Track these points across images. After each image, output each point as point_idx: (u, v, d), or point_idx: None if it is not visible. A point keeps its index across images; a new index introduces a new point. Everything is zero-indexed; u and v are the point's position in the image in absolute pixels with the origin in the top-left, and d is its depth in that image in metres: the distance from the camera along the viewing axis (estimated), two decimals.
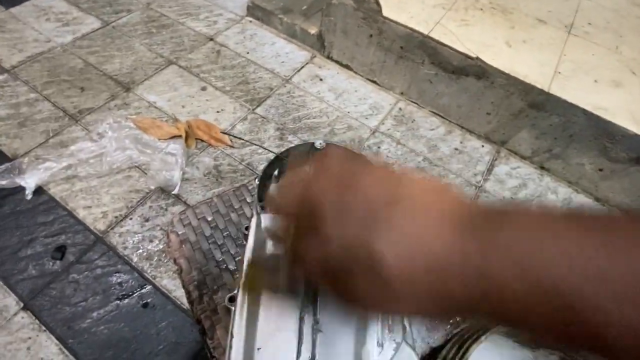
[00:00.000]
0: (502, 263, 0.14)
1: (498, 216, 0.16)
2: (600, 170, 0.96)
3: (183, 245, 0.43)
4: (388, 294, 0.17)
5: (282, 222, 0.21)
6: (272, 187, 0.50)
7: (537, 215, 0.15)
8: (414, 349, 0.31)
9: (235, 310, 0.30)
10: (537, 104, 0.94)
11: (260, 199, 0.42)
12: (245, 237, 0.35)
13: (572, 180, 1.02)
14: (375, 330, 0.29)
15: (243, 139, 0.99)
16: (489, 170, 1.04)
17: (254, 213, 0.37)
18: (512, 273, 0.14)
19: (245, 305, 0.30)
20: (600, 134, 0.90)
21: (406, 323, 0.32)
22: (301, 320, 0.28)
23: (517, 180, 1.02)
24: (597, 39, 1.08)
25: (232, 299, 0.32)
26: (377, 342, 0.28)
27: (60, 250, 0.76)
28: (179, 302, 0.73)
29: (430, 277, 0.15)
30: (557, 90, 0.91)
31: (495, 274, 0.14)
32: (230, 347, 0.28)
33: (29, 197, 0.82)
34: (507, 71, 0.94)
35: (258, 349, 0.27)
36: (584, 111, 0.89)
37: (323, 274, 0.18)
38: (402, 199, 0.17)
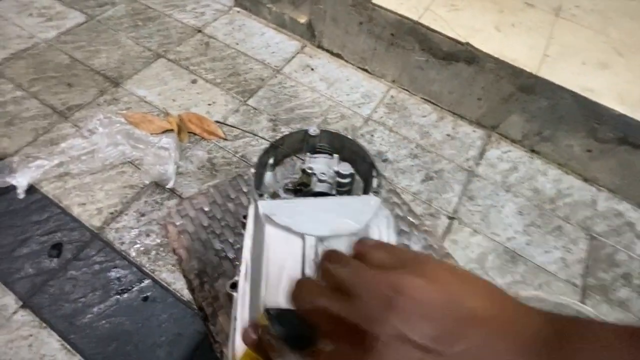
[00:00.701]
0: None
1: (572, 335, 0.15)
2: (589, 151, 0.98)
3: (181, 236, 0.44)
4: None
5: (315, 326, 0.18)
6: (268, 176, 0.50)
7: (602, 336, 0.15)
8: None
9: (237, 295, 0.31)
10: (527, 88, 0.95)
11: (256, 187, 0.43)
12: (244, 225, 0.35)
13: (562, 162, 1.04)
14: None
15: (237, 127, 0.99)
16: (481, 154, 1.05)
17: (252, 201, 0.38)
18: None
19: (248, 290, 0.30)
20: (588, 115, 0.92)
21: None
22: None
23: (508, 164, 1.04)
24: (585, 21, 1.09)
25: (234, 286, 0.32)
26: None
27: (57, 248, 0.76)
28: (179, 294, 0.73)
29: None
30: (545, 73, 0.92)
31: None
32: (234, 329, 0.29)
33: (22, 196, 0.81)
34: (496, 55, 0.94)
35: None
36: (572, 93, 0.90)
37: None
38: (467, 322, 0.15)
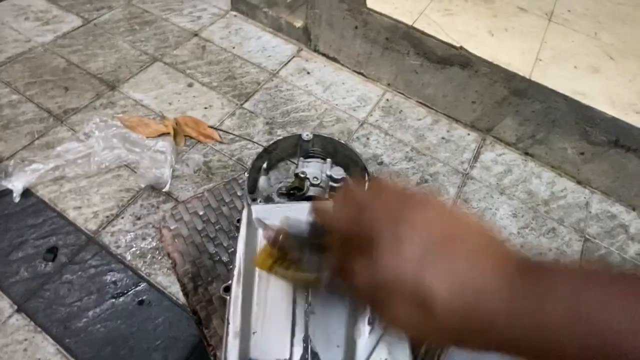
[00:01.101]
0: (556, 308, 0.15)
1: (543, 265, 0.17)
2: (582, 153, 0.99)
3: (176, 240, 0.44)
4: (433, 325, 0.18)
5: (331, 233, 0.22)
6: (262, 180, 0.51)
7: (586, 271, 0.17)
8: None
9: (230, 299, 0.31)
10: (520, 92, 0.96)
11: (250, 191, 0.43)
12: (237, 228, 0.36)
13: (555, 164, 1.05)
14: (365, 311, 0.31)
15: (231, 133, 1.00)
16: (475, 157, 1.06)
17: (245, 205, 0.38)
18: (567, 320, 0.15)
19: (240, 294, 0.31)
20: (580, 118, 0.93)
21: None
22: (294, 303, 0.30)
23: (502, 167, 1.05)
24: (577, 25, 1.11)
25: (227, 289, 0.33)
26: (368, 320, 0.30)
27: (52, 252, 0.76)
28: (174, 298, 0.73)
29: (478, 313, 0.17)
30: (538, 77, 0.93)
31: (547, 317, 0.15)
32: (227, 333, 0.29)
33: (17, 199, 0.81)
34: (490, 60, 0.95)
35: (253, 332, 0.29)
36: (565, 97, 0.91)
37: (371, 296, 0.19)
38: (455, 239, 0.18)
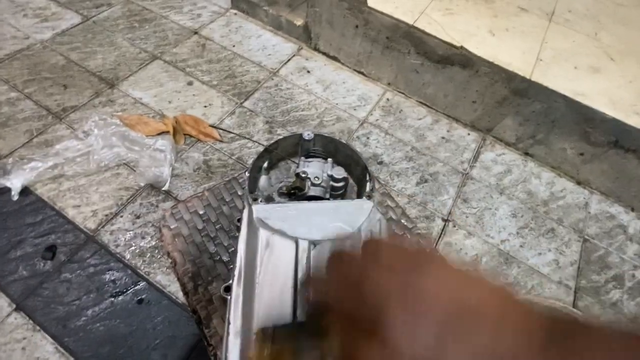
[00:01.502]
0: None
1: (576, 324, 0.16)
2: (581, 154, 0.99)
3: (176, 239, 0.44)
4: None
5: (327, 312, 0.19)
6: (262, 180, 0.50)
7: (625, 334, 0.15)
8: None
9: (231, 298, 0.31)
10: (520, 92, 0.96)
11: (251, 191, 0.43)
12: (238, 228, 0.36)
13: (555, 165, 1.05)
14: None
15: (231, 132, 0.99)
16: (475, 157, 1.06)
17: (245, 205, 0.38)
18: None
19: (241, 294, 0.31)
20: (580, 119, 0.93)
21: None
22: (294, 305, 0.30)
23: (502, 167, 1.05)
24: (577, 26, 1.11)
25: (228, 289, 0.33)
26: None
27: (51, 250, 0.76)
28: (174, 297, 0.73)
29: None
30: (539, 77, 0.93)
31: None
32: (228, 332, 0.29)
33: (15, 198, 0.81)
34: (491, 59, 0.95)
35: (254, 333, 0.29)
36: (565, 97, 0.91)
37: None
38: (473, 309, 0.16)
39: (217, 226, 0.45)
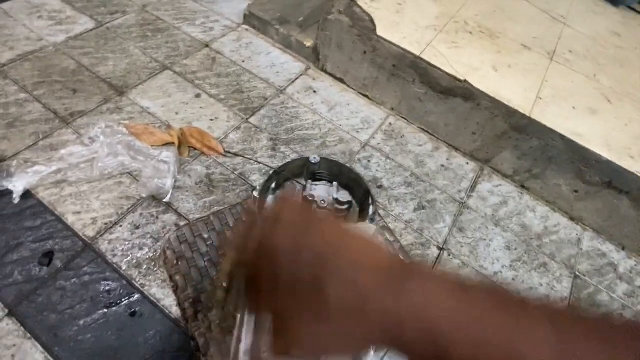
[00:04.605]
0: (406, 308, 0.19)
1: (409, 272, 0.21)
2: (576, 191, 1.01)
3: (179, 263, 0.45)
4: (324, 325, 0.21)
5: (241, 266, 0.25)
6: (269, 200, 0.52)
7: (435, 277, 0.21)
8: None
9: (241, 317, 0.32)
10: (520, 127, 0.99)
11: (260, 211, 0.44)
12: None
13: (550, 199, 1.07)
14: None
15: (240, 155, 1.01)
16: (473, 187, 1.08)
17: None
18: (411, 317, 0.19)
19: (253, 313, 0.32)
20: (576, 158, 0.96)
21: None
22: None
23: (498, 198, 1.07)
24: (577, 66, 1.15)
25: (237, 308, 0.34)
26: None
27: (48, 256, 0.76)
28: (167, 312, 0.73)
29: (359, 311, 0.20)
30: (538, 115, 0.96)
31: (400, 317, 0.19)
32: (237, 350, 0.30)
33: (16, 201, 0.81)
34: (492, 95, 0.98)
35: (264, 352, 0.30)
36: (562, 136, 0.94)
37: (272, 307, 0.22)
38: (345, 247, 0.22)
39: (221, 252, 0.46)
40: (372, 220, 0.56)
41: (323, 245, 0.22)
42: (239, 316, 0.33)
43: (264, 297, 0.23)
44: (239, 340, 0.31)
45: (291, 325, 0.22)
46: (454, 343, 0.18)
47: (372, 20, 1.07)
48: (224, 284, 0.29)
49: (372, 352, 0.31)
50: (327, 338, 0.21)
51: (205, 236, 0.47)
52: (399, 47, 1.04)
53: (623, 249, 1.03)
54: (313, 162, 0.54)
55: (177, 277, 0.43)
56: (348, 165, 1.01)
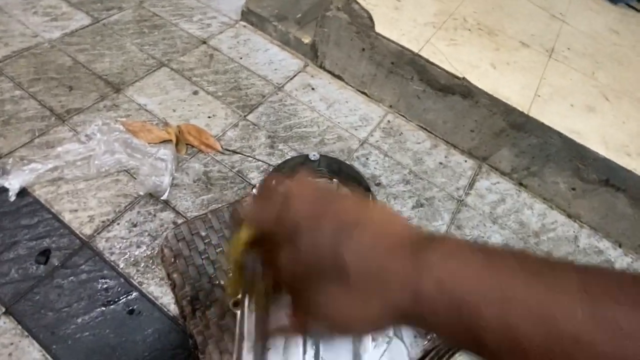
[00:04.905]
0: (427, 278, 0.19)
1: (430, 242, 0.20)
2: (573, 189, 1.02)
3: (177, 260, 0.45)
4: (344, 295, 0.20)
5: (258, 233, 0.25)
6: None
7: (457, 247, 0.20)
8: (403, 342, 0.35)
9: (241, 313, 0.32)
10: (518, 125, 0.99)
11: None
12: None
13: (547, 197, 1.07)
14: None
15: (242, 154, 1.00)
16: (471, 185, 1.08)
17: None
18: (433, 287, 0.18)
19: (254, 309, 0.32)
20: (574, 156, 0.96)
21: None
22: None
23: (496, 195, 1.07)
24: (575, 64, 1.15)
25: (237, 304, 0.34)
26: (372, 338, 0.32)
27: (45, 254, 0.75)
28: (165, 309, 0.73)
29: (376, 282, 0.20)
30: (536, 112, 0.96)
31: (421, 287, 0.19)
32: (240, 348, 0.30)
33: (13, 198, 0.80)
34: (491, 92, 0.98)
35: (268, 349, 0.30)
36: (560, 134, 0.94)
37: (292, 278, 0.22)
38: (365, 223, 0.21)
39: (218, 250, 0.46)
40: None
41: (344, 217, 0.22)
42: (238, 313, 0.33)
43: (282, 270, 0.22)
44: (241, 337, 0.31)
45: (310, 296, 0.21)
46: (480, 309, 0.17)
47: (370, 17, 1.07)
48: (230, 266, 0.29)
49: (371, 348, 0.31)
50: (347, 309, 0.21)
51: (203, 234, 0.46)
52: (397, 44, 1.03)
53: (620, 246, 1.03)
54: (312, 159, 0.53)
55: (175, 275, 0.43)
56: (350, 164, 1.01)
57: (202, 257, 0.45)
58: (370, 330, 0.23)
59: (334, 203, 0.23)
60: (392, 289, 0.19)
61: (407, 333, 0.42)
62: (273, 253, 0.23)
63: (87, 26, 1.20)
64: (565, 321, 0.16)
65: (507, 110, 0.98)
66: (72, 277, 0.74)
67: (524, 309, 0.17)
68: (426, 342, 0.44)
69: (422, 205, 1.01)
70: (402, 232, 0.21)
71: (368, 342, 0.32)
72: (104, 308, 0.72)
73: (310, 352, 0.30)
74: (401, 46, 1.03)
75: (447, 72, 1.01)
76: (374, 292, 0.20)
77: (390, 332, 0.35)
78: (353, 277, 0.20)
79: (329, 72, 1.24)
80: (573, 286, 0.17)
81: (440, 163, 1.11)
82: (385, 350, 0.33)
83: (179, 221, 0.82)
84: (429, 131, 1.17)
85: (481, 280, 0.18)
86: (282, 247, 0.22)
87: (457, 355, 0.42)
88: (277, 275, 0.23)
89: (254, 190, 0.44)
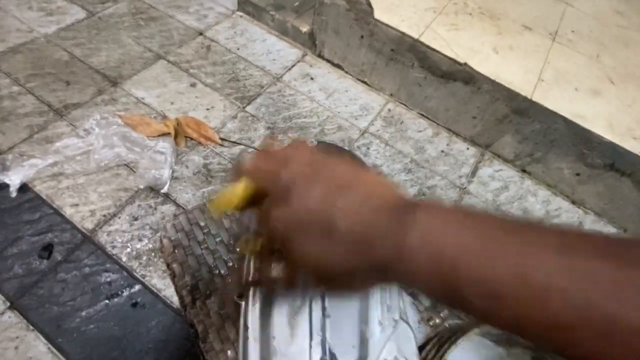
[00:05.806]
0: (411, 234, 0.19)
1: (417, 203, 0.21)
2: (578, 175, 1.00)
3: (176, 250, 0.44)
4: (332, 247, 0.21)
5: (254, 186, 0.26)
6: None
7: (441, 208, 0.21)
8: (409, 325, 0.35)
9: (246, 304, 0.32)
10: (521, 111, 0.97)
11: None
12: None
13: (551, 183, 1.06)
14: (376, 312, 0.32)
15: (241, 144, 1.00)
16: (473, 172, 1.07)
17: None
18: (416, 241, 0.19)
19: (258, 299, 0.31)
20: (578, 140, 0.94)
21: (401, 304, 0.35)
22: (310, 308, 0.30)
23: (499, 183, 1.06)
24: (580, 47, 1.12)
25: (241, 295, 0.33)
26: (378, 321, 0.31)
27: (47, 249, 0.76)
28: (168, 302, 0.74)
29: (364, 239, 0.21)
30: (539, 97, 0.95)
31: (405, 241, 0.20)
32: (245, 337, 0.30)
33: (14, 194, 0.80)
34: (493, 77, 0.96)
35: (273, 337, 0.29)
36: (564, 119, 0.92)
37: (285, 234, 0.23)
38: (357, 184, 0.23)
39: (217, 239, 0.46)
40: None
41: (337, 177, 0.23)
42: (243, 304, 0.32)
43: (276, 223, 0.23)
44: (245, 327, 0.31)
45: (301, 249, 0.22)
46: (460, 267, 0.18)
47: (369, 3, 1.04)
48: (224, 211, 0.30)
49: (378, 332, 0.31)
50: (335, 262, 0.22)
51: (202, 224, 0.46)
52: (397, 30, 1.01)
53: (625, 231, 1.02)
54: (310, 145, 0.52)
55: (174, 265, 0.43)
56: (348, 149, 1.00)
57: (202, 247, 0.45)
58: (357, 285, 0.24)
59: (328, 165, 0.24)
60: (378, 244, 0.20)
61: (412, 318, 0.42)
62: (268, 208, 0.24)
63: (83, 20, 1.18)
64: (539, 272, 0.16)
65: (510, 96, 0.96)
66: (75, 272, 0.74)
67: (502, 261, 0.17)
68: (429, 329, 0.43)
69: (424, 194, 1.00)
70: (391, 194, 0.23)
71: (375, 325, 0.32)
72: (107, 301, 0.72)
73: (317, 338, 0.30)
74: (401, 32, 1.01)
75: (448, 58, 0.99)
76: (361, 246, 0.21)
77: (397, 315, 0.35)
78: (342, 232, 0.21)
79: (328, 61, 1.23)
80: (551, 242, 0.17)
81: (442, 151, 1.10)
82: (391, 334, 0.32)
83: None
84: (430, 119, 1.15)
85: (461, 235, 0.19)
86: (277, 202, 0.23)
87: (459, 340, 0.41)
88: (270, 230, 0.24)
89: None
